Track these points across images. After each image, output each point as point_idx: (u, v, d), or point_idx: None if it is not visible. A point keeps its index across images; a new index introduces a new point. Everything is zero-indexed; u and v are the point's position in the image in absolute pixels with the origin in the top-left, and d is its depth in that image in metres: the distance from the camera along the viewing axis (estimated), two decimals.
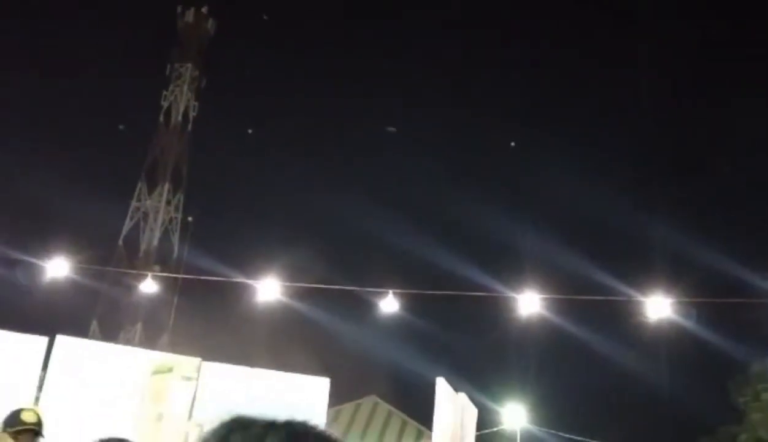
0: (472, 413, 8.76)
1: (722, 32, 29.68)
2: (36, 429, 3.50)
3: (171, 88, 28.04)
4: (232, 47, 30.49)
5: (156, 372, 7.39)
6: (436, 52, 33.11)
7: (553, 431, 20.71)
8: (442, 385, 7.28)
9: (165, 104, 27.98)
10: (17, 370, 6.83)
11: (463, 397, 8.06)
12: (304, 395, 7.82)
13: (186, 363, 7.56)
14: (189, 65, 28.04)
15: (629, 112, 30.68)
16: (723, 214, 26.77)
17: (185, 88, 27.90)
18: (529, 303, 11.62)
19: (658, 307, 10.95)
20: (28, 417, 3.52)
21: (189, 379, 7.43)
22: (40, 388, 6.96)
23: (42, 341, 7.05)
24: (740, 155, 25.27)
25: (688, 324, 11.99)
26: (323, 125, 30.58)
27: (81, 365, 7.12)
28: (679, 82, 30.35)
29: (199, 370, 7.54)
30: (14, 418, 3.53)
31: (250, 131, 27.07)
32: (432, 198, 29.28)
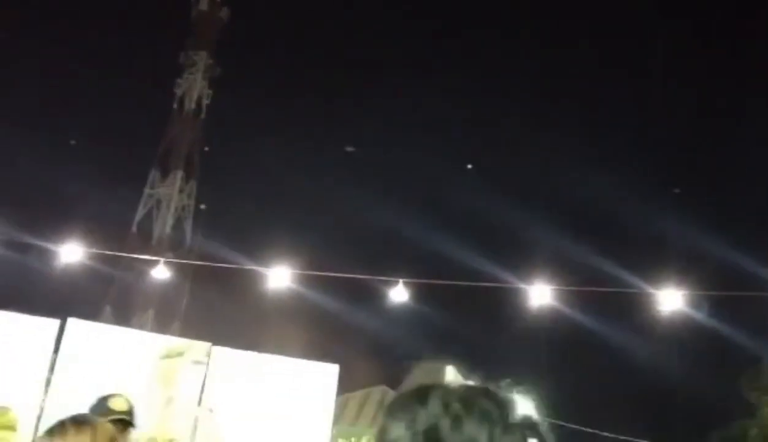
0: None
1: (743, 19, 29.32)
2: (127, 419, 3.05)
3: (185, 75, 28.13)
4: (245, 35, 30.48)
5: (166, 356, 7.44)
6: (443, 40, 32.97)
7: (562, 423, 20.69)
8: (450, 374, 7.29)
9: (179, 92, 28.08)
10: (29, 352, 6.90)
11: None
12: (314, 381, 7.85)
13: (196, 347, 7.61)
14: (203, 53, 28.11)
15: (643, 102, 30.40)
16: (738, 206, 26.54)
17: (199, 75, 27.98)
18: (540, 294, 11.59)
19: (671, 299, 10.88)
20: (117, 405, 3.09)
21: (199, 363, 7.48)
22: (51, 370, 7.03)
23: (54, 323, 7.12)
24: (757, 145, 25.00)
25: (701, 317, 11.91)
26: (336, 114, 30.56)
27: (92, 348, 7.18)
28: (694, 70, 30.04)
29: (209, 354, 7.58)
30: (102, 406, 3.09)
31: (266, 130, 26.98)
32: (443, 188, 29.23)
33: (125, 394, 3.23)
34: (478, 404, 0.89)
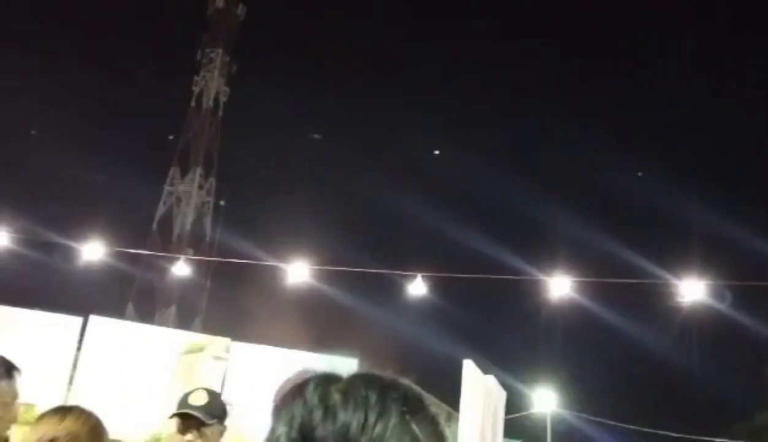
0: (501, 396, 8.73)
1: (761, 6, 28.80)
2: (195, 414, 2.77)
3: (202, 73, 28.28)
4: (262, 32, 30.58)
5: (187, 352, 7.52)
6: (458, 36, 32.81)
7: (584, 415, 20.57)
8: (469, 367, 7.26)
9: (196, 89, 28.24)
10: (53, 349, 7.01)
11: (491, 379, 8.03)
12: None
13: (216, 343, 7.68)
14: (219, 50, 28.23)
15: (662, 92, 30.03)
16: (760, 196, 26.15)
17: (216, 73, 28.11)
18: (560, 286, 11.52)
19: (692, 290, 10.76)
20: (193, 399, 2.82)
21: (219, 358, 7.55)
22: (74, 367, 7.13)
23: (77, 321, 7.22)
24: None
25: (723, 307, 11.77)
26: (354, 108, 30.57)
27: (114, 345, 7.28)
28: (715, 58, 29.62)
29: (229, 350, 7.65)
30: (182, 399, 2.87)
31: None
32: (462, 181, 29.13)
33: (209, 387, 3.08)
34: (356, 392, 0.85)
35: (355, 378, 0.89)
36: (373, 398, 0.85)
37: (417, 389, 0.91)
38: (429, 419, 0.87)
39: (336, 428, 0.82)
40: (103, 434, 2.17)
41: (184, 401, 2.85)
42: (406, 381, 0.90)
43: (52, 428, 2.05)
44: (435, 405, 0.91)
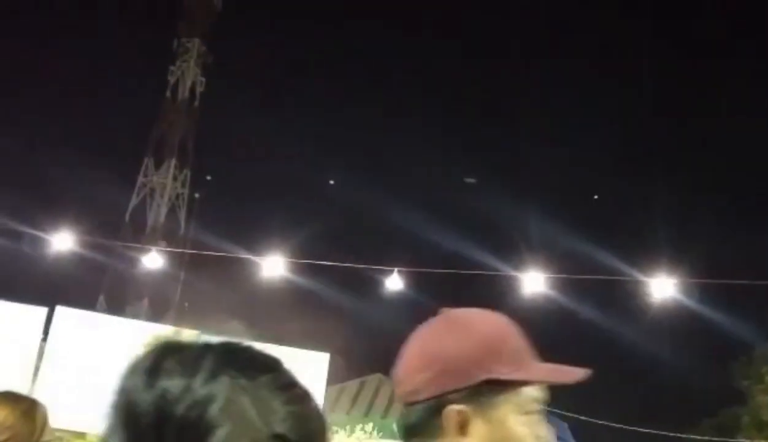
0: None
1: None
2: None
3: (178, 63, 27.96)
4: (240, 22, 30.31)
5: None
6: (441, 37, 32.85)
7: (554, 410, 20.74)
8: None
9: (172, 79, 27.92)
10: (18, 339, 6.88)
11: None
12: (304, 369, 7.83)
13: (184, 336, 7.60)
14: (196, 40, 27.93)
15: (631, 90, 30.36)
16: (730, 193, 26.58)
17: (192, 63, 27.81)
18: (533, 282, 11.62)
19: (663, 287, 10.91)
20: None
21: None
22: (40, 357, 7.01)
23: (42, 311, 7.09)
24: (749, 129, 25.00)
25: (692, 305, 11.95)
26: (331, 102, 30.47)
27: (81, 336, 7.16)
28: (685, 49, 29.99)
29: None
30: None
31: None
32: (436, 176, 29.20)
33: None
34: (189, 359, 0.79)
35: (199, 346, 0.83)
36: (206, 364, 0.79)
37: (276, 363, 0.85)
38: (282, 393, 0.81)
39: (155, 394, 0.77)
40: (38, 419, 2.08)
41: None
42: (264, 354, 0.85)
43: None
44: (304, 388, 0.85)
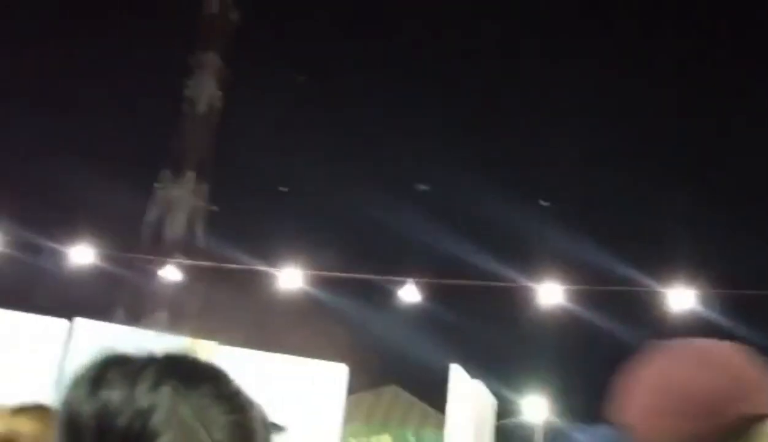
0: (489, 401, 8.72)
1: None
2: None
3: (195, 77, 28.27)
4: (256, 37, 30.57)
5: None
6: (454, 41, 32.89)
7: (577, 424, 20.56)
8: (456, 371, 7.25)
9: (189, 93, 28.22)
10: (38, 352, 6.94)
11: (479, 384, 8.02)
12: (322, 381, 7.83)
13: (202, 347, 7.62)
14: (212, 55, 28.23)
15: (651, 92, 30.13)
16: (751, 204, 26.25)
17: (209, 77, 28.10)
18: (550, 293, 11.53)
19: (682, 298, 10.79)
20: None
21: None
22: (59, 369, 7.06)
23: (63, 323, 7.16)
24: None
25: (713, 315, 11.80)
26: (346, 114, 30.59)
27: (99, 348, 7.21)
28: (707, 56, 29.73)
29: (214, 354, 7.59)
30: None
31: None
32: (453, 187, 29.16)
33: None
34: (132, 370, 0.80)
35: (142, 358, 0.84)
36: (148, 375, 0.80)
37: (218, 373, 0.86)
38: (224, 402, 0.81)
39: (97, 405, 0.78)
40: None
41: None
42: (206, 363, 0.86)
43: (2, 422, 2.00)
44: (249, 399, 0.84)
